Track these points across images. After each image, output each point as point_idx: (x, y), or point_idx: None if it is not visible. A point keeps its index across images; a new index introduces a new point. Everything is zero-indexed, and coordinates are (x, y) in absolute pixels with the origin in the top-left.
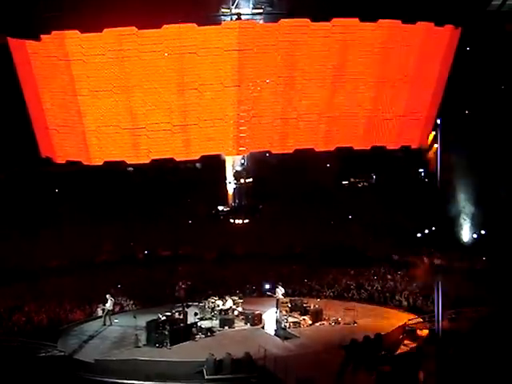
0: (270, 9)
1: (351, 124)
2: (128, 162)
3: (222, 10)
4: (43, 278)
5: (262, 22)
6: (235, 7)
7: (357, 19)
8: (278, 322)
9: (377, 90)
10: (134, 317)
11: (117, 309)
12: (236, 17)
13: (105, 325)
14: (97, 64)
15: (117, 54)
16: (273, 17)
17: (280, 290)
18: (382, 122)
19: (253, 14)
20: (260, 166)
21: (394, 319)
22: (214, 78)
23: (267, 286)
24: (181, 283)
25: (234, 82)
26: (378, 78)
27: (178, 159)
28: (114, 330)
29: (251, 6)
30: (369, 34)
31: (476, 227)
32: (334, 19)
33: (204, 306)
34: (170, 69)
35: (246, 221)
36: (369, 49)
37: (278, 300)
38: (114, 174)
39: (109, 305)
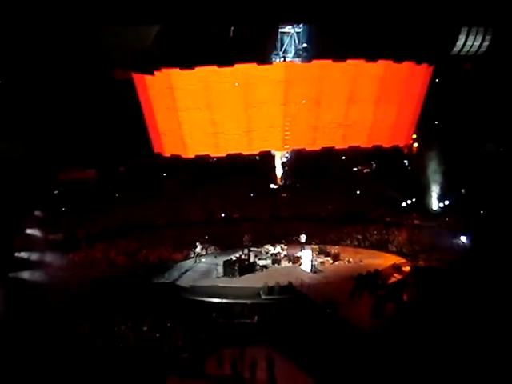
0: (305, 54)
1: (359, 130)
2: (211, 155)
3: (274, 55)
4: (156, 230)
5: (300, 62)
6: (283, 53)
7: (363, 60)
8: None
9: (376, 108)
10: (215, 257)
11: (203, 252)
12: (283, 59)
13: (195, 262)
14: (191, 90)
15: (204, 83)
16: (307, 59)
17: (303, 237)
18: (379, 129)
19: (294, 57)
20: (298, 158)
21: (388, 260)
22: (268, 99)
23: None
24: (246, 236)
25: (281, 102)
26: (377, 99)
27: (244, 153)
28: (201, 266)
29: (293, 51)
30: (371, 70)
31: (441, 199)
32: (348, 60)
33: (261, 250)
34: (239, 93)
35: (289, 195)
36: (371, 80)
37: (302, 243)
38: (202, 163)
39: (198, 249)
